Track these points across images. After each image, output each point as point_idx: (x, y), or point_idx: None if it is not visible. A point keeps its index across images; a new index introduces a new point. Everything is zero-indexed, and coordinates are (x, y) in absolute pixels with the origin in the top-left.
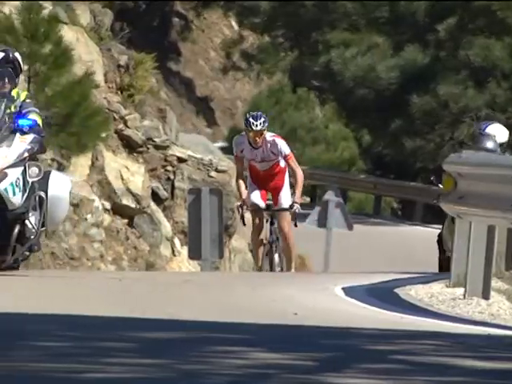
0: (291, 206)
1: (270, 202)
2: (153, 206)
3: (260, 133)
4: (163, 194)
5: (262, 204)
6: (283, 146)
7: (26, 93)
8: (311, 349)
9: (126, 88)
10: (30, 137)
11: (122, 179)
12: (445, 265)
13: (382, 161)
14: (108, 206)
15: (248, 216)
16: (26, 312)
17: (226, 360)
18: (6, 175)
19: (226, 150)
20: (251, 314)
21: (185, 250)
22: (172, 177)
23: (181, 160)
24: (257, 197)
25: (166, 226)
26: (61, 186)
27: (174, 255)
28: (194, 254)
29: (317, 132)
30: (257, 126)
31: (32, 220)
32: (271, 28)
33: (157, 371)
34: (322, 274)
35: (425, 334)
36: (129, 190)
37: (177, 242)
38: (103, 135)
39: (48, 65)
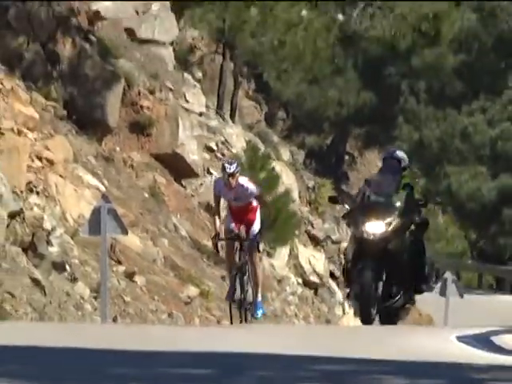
0: (255, 235)
1: (242, 234)
2: (330, 281)
3: (232, 175)
4: (337, 273)
5: (236, 231)
6: (252, 188)
7: None
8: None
9: (313, 202)
10: None
11: (310, 263)
12: (345, 275)
13: (484, 252)
14: (300, 281)
15: (221, 245)
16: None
17: None
18: None
19: None
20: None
21: (351, 311)
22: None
23: None
24: (232, 226)
25: (339, 295)
26: None
27: (344, 314)
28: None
29: (439, 233)
30: (230, 169)
31: None
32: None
33: None
34: (442, 328)
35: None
36: (314, 271)
37: (346, 305)
38: (297, 233)
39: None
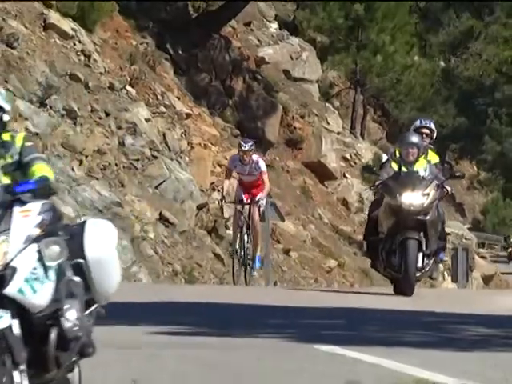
0: (257, 201)
1: (246, 200)
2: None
3: (247, 153)
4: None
5: (243, 198)
6: (262, 164)
7: (23, 134)
8: None
9: None
10: (36, 206)
11: None
12: (374, 244)
13: None
14: None
15: (226, 209)
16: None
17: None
18: (14, 271)
19: None
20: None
21: (449, 277)
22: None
23: None
24: (241, 195)
25: (441, 268)
26: (104, 242)
27: (444, 280)
28: (455, 279)
29: None
30: (245, 147)
31: (70, 314)
32: None
33: None
34: None
35: None
36: None
37: (446, 273)
38: None
39: None
